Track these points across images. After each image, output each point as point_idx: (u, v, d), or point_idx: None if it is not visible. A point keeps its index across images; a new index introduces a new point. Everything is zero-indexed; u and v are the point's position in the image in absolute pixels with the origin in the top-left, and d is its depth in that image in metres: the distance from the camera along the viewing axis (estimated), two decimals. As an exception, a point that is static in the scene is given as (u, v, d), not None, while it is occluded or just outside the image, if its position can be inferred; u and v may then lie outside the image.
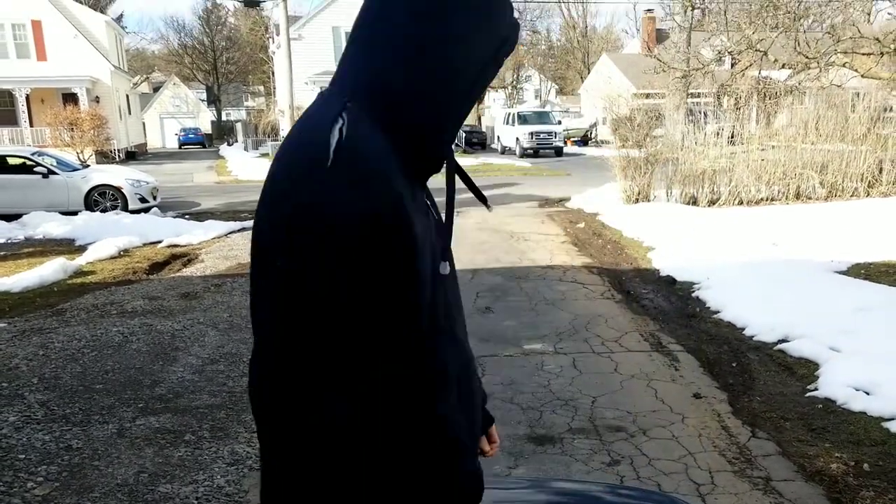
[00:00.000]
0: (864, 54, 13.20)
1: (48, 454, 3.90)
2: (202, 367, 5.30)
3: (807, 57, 13.05)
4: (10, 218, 12.72)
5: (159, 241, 10.93)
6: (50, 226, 12.07)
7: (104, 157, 28.20)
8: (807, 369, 4.87)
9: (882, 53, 12.85)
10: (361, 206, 1.02)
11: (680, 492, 3.33)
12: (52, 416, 4.39)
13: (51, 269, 8.36)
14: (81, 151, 24.96)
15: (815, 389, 4.49)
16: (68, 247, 10.68)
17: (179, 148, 53.92)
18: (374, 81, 1.12)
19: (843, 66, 13.45)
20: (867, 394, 4.28)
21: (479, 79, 1.15)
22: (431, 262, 1.13)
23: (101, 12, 40.34)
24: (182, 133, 56.56)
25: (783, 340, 5.41)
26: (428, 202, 1.23)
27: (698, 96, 21.54)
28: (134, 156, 36.01)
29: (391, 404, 1.10)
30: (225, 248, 10.50)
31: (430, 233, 1.14)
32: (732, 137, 14.03)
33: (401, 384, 1.10)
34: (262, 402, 1.12)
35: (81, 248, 10.38)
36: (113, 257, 9.77)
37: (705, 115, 15.52)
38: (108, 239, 10.44)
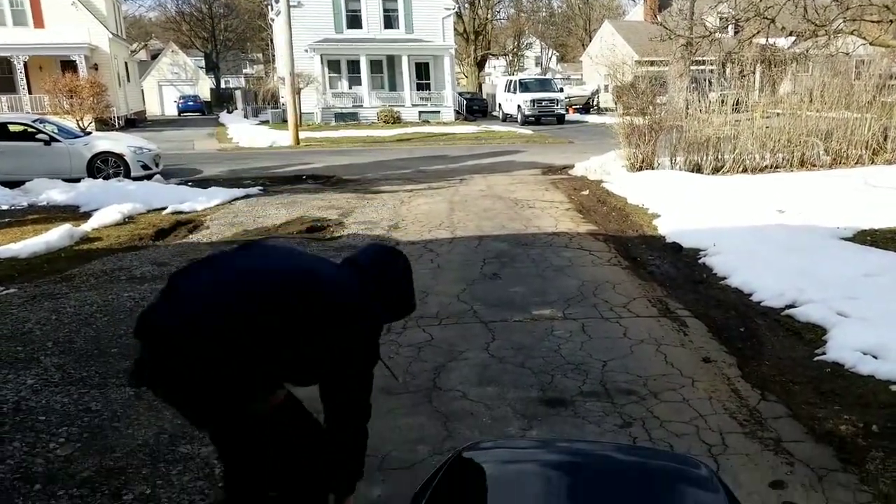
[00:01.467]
0: (871, 21, 13.06)
1: (68, 416, 3.95)
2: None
3: (814, 24, 12.91)
4: (13, 185, 12.69)
5: (163, 208, 10.92)
6: (53, 193, 12.04)
7: (104, 124, 28.01)
8: (815, 334, 4.92)
9: (890, 21, 12.73)
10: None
11: (692, 452, 3.39)
12: (70, 380, 4.45)
13: (57, 236, 8.37)
14: (81, 119, 24.78)
15: (824, 354, 4.54)
16: (73, 213, 10.68)
17: (179, 115, 53.58)
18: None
19: (851, 33, 13.33)
20: (875, 357, 4.32)
21: None
22: None
23: (98, -23, 39.71)
24: (181, 100, 56.19)
25: (791, 306, 5.45)
26: None
27: (702, 64, 21.37)
28: (133, 123, 35.79)
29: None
30: (230, 214, 10.50)
31: None
32: (737, 105, 13.95)
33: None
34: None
35: (86, 215, 10.37)
36: (118, 224, 9.77)
37: (710, 82, 15.41)
38: (113, 205, 10.43)
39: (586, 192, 11.94)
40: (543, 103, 32.46)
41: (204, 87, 63.15)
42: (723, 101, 13.67)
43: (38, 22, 30.65)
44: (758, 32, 15.72)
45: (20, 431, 3.77)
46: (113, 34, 33.80)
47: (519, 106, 32.90)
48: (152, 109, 55.55)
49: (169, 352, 2.15)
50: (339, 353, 2.30)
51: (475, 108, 38.64)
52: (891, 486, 3.05)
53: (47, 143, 13.87)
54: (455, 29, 35.62)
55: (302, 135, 24.06)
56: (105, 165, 14.19)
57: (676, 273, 6.84)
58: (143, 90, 49.12)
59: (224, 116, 44.20)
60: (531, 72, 61.57)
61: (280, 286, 2.28)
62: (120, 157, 14.24)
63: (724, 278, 6.43)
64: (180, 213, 10.69)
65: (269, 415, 2.43)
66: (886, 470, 3.17)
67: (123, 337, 5.20)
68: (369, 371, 2.41)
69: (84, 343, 5.09)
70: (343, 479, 2.44)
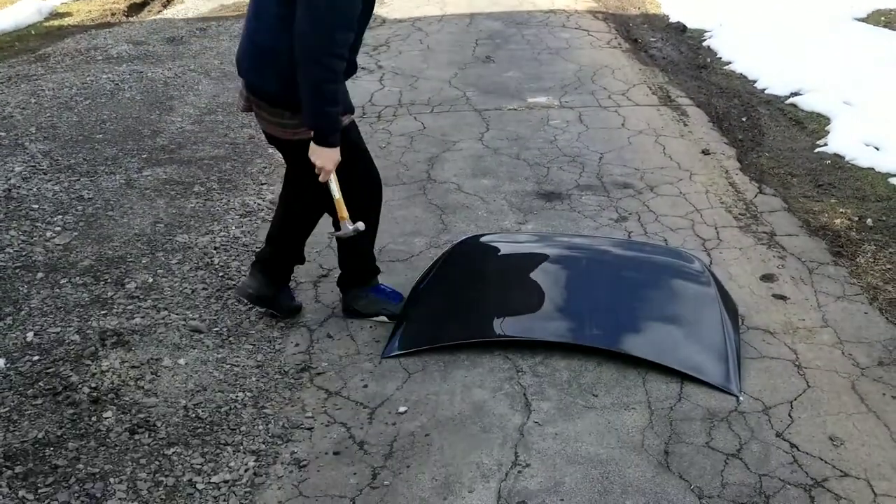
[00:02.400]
0: None
1: (61, 204, 3.91)
2: (200, 118, 5.18)
3: None
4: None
5: (134, -22, 10.14)
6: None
7: None
8: (818, 124, 4.82)
9: None
10: None
11: (686, 247, 3.44)
12: (58, 167, 4.35)
13: (26, 11, 7.85)
14: None
15: (825, 145, 4.48)
16: (37, -16, 9.91)
17: None
18: None
19: None
20: (876, 149, 4.27)
21: None
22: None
23: None
24: None
25: (795, 94, 5.29)
26: None
27: None
28: None
29: None
30: (206, -13, 9.79)
31: None
32: None
33: None
34: None
35: (52, -14, 9.64)
36: (87, -5, 9.12)
37: None
38: (80, -25, 9.66)
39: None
40: None
41: None
42: None
43: None
44: None
45: (15, 219, 3.74)
46: None
47: None
48: None
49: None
50: None
51: None
52: (879, 278, 3.13)
53: None
54: None
55: None
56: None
57: (679, 56, 6.56)
58: None
59: None
60: None
61: None
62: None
63: (729, 63, 6.18)
64: (153, -17, 9.94)
65: None
66: (877, 263, 3.24)
67: (107, 122, 5.03)
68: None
69: (67, 129, 4.92)
70: (307, 118, 2.43)
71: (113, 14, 8.27)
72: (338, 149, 2.47)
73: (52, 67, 6.21)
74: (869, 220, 3.58)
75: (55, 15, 8.17)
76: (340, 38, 2.34)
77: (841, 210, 3.72)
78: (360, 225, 2.66)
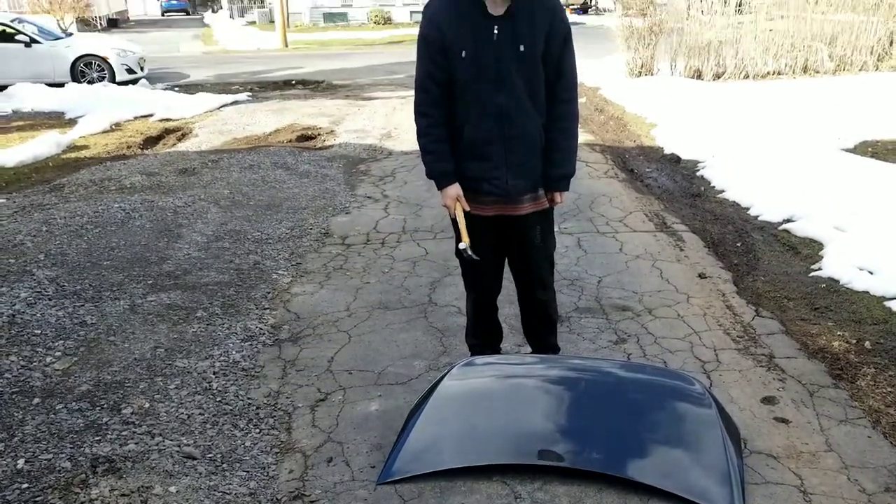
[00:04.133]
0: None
1: (63, 329, 3.95)
2: (207, 245, 5.30)
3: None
4: (-5, 90, 12.36)
5: (151, 115, 10.69)
6: (37, 98, 11.74)
7: (85, 24, 27.07)
8: (811, 249, 4.91)
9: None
10: None
11: (686, 369, 3.42)
12: (63, 293, 4.42)
13: (44, 144, 8.22)
14: (62, 18, 23.87)
15: (819, 269, 4.54)
16: (58, 120, 10.44)
17: (162, 15, 51.89)
18: None
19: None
20: (870, 273, 4.32)
21: None
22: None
23: None
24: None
25: (788, 220, 5.42)
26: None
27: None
28: (116, 24, 34.62)
29: None
30: (219, 122, 10.28)
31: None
32: (740, 6, 13.51)
33: None
34: None
35: (72, 122, 10.15)
36: (105, 131, 9.58)
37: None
38: (99, 112, 10.21)
39: (583, 100, 11.68)
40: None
41: (188, -15, 60.75)
42: (725, 2, 13.22)
43: (11, -87, 29.08)
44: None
45: (16, 345, 3.77)
46: (90, -74, 32.13)
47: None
48: (135, 9, 53.60)
49: None
50: None
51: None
52: (880, 402, 3.09)
53: (28, 44, 13.42)
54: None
55: (290, 37, 23.36)
56: (89, 69, 13.78)
57: (674, 186, 6.76)
58: (124, -13, 47.21)
59: (209, 17, 42.83)
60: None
61: None
62: (104, 60, 13.82)
63: (722, 191, 6.37)
64: (168, 120, 10.47)
65: None
66: (877, 386, 3.21)
67: (116, 249, 5.16)
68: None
69: (76, 255, 5.04)
70: None
71: (129, 147, 8.64)
72: (444, 189, 2.95)
73: (66, 197, 6.43)
74: (867, 343, 3.58)
75: (73, 148, 8.54)
76: (418, 97, 2.89)
77: (839, 333, 3.72)
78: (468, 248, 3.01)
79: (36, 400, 3.27)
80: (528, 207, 3.02)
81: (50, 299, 4.33)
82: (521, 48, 2.70)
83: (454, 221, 3.05)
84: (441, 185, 2.94)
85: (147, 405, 3.24)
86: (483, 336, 3.48)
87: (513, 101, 2.78)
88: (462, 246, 3.00)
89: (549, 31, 2.73)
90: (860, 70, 12.98)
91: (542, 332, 3.42)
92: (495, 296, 3.38)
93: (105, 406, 3.22)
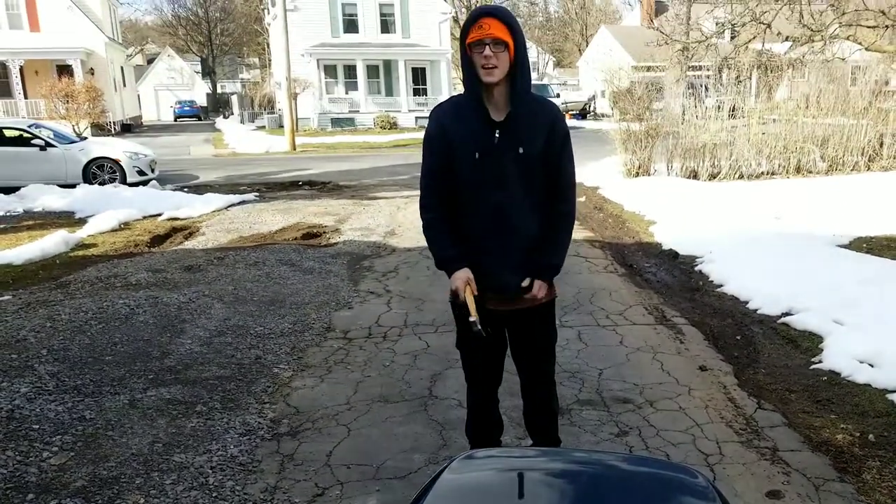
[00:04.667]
0: (867, 27, 13.09)
1: (62, 424, 3.93)
2: (210, 340, 5.32)
3: (810, 30, 12.94)
4: (9, 191, 12.67)
5: (159, 214, 10.92)
6: (49, 198, 12.03)
7: (100, 129, 28.00)
8: (811, 342, 4.92)
9: (886, 26, 12.76)
10: None
11: (689, 462, 3.38)
12: (64, 388, 4.42)
13: (52, 242, 8.36)
14: (77, 124, 24.73)
15: (820, 362, 4.54)
16: (68, 219, 10.66)
17: (175, 121, 53.60)
18: None
19: (847, 39, 13.37)
20: (871, 366, 4.32)
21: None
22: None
23: (95, -18, 39.68)
24: (177, 105, 56.20)
25: (787, 314, 5.45)
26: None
27: (699, 69, 21.40)
28: (129, 128, 35.78)
29: None
30: (225, 221, 10.49)
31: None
32: (733, 111, 13.98)
33: None
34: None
35: (81, 221, 10.36)
36: (114, 230, 9.76)
37: (706, 88, 15.44)
38: (109, 212, 10.43)
39: (583, 199, 11.92)
40: (540, 109, 32.36)
41: (200, 92, 63.13)
42: (719, 107, 13.71)
43: (34, 25, 30.62)
44: (754, 38, 15.74)
45: (13, 440, 3.75)
46: (109, 38, 33.78)
47: (516, 111, 32.79)
48: (149, 115, 55.54)
49: None
50: None
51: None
52: (887, 496, 3.04)
53: (43, 148, 13.86)
54: (452, 34, 35.65)
55: (298, 140, 24.07)
56: (101, 171, 14.18)
57: (673, 280, 6.83)
58: (139, 95, 49.08)
59: (220, 122, 44.24)
60: (528, 77, 61.44)
61: None
62: (116, 162, 14.24)
63: (721, 286, 6.43)
64: (176, 219, 10.69)
65: None
66: (883, 479, 3.16)
67: (118, 345, 5.18)
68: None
69: (79, 350, 5.07)
70: None
71: (136, 245, 8.80)
72: (454, 274, 2.94)
73: (72, 294, 6.51)
74: (871, 436, 3.54)
75: (81, 246, 8.69)
76: (423, 193, 3.00)
77: (842, 426, 3.69)
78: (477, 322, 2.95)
79: (30, 496, 3.23)
80: (528, 302, 3.07)
81: (50, 394, 4.33)
82: (521, 150, 2.83)
83: (456, 310, 3.08)
84: (451, 271, 3.00)
85: (142, 501, 3.19)
86: (484, 429, 3.46)
87: (510, 200, 2.89)
88: (472, 319, 2.98)
89: (549, 132, 2.86)
90: (852, 170, 13.30)
91: (543, 423, 3.41)
92: (496, 388, 3.38)
93: (99, 502, 3.18)
